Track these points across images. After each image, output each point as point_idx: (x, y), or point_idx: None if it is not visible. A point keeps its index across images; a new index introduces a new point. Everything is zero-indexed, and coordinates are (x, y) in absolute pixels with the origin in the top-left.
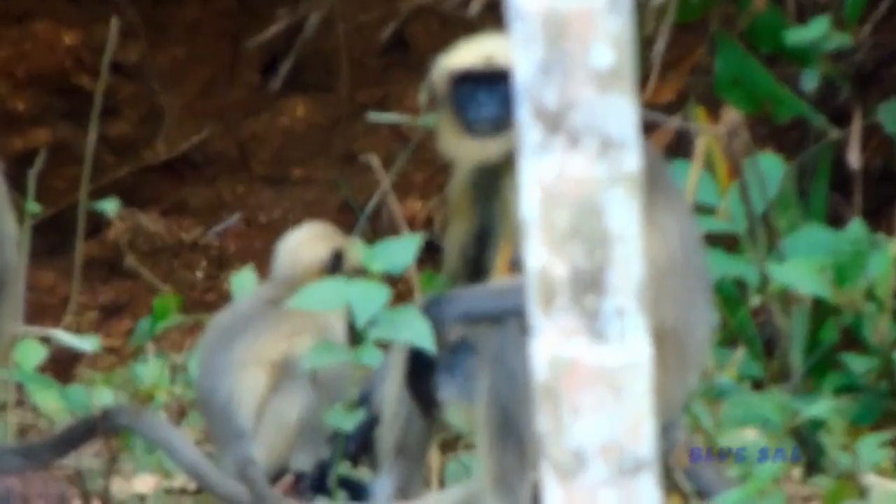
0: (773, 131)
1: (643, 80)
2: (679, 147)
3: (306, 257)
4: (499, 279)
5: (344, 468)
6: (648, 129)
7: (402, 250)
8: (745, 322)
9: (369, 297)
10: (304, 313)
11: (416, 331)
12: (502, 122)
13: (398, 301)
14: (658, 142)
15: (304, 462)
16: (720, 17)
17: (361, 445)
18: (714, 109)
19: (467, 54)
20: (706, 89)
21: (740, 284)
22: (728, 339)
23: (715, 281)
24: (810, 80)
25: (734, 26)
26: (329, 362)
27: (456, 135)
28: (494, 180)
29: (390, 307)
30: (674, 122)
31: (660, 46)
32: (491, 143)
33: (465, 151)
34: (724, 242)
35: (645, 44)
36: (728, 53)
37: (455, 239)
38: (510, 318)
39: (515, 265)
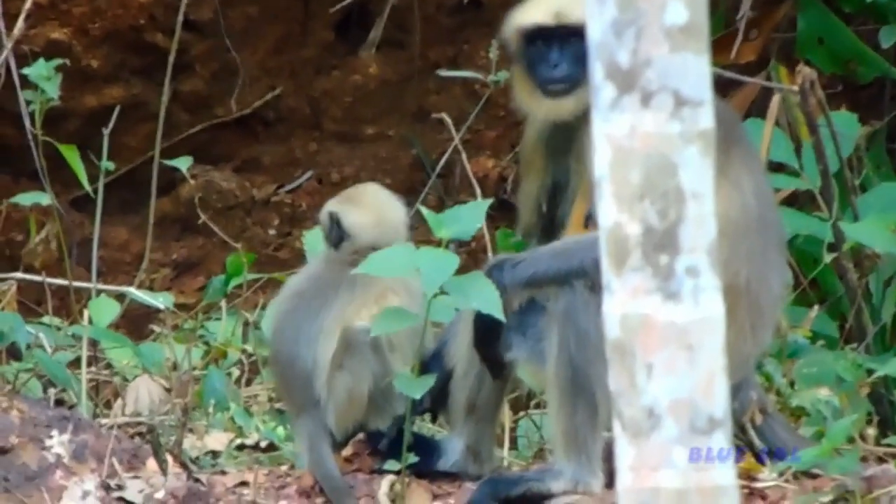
0: (847, 89)
1: (727, 40)
2: (762, 106)
3: (398, 220)
4: (563, 238)
5: (417, 426)
6: (731, 88)
7: (470, 216)
8: (821, 281)
9: (439, 264)
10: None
11: (484, 298)
12: (575, 80)
13: (470, 259)
14: (741, 101)
15: (380, 421)
16: None
17: (437, 400)
18: (795, 69)
19: (537, 11)
20: (787, 49)
21: (818, 243)
22: (803, 297)
23: (790, 239)
24: (888, 37)
25: None
26: (396, 329)
27: (529, 92)
28: (569, 136)
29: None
30: (758, 83)
31: (745, 6)
32: (564, 101)
33: (540, 109)
34: (799, 201)
35: (728, 3)
36: (811, 13)
37: (528, 195)
38: (576, 278)
39: (590, 221)
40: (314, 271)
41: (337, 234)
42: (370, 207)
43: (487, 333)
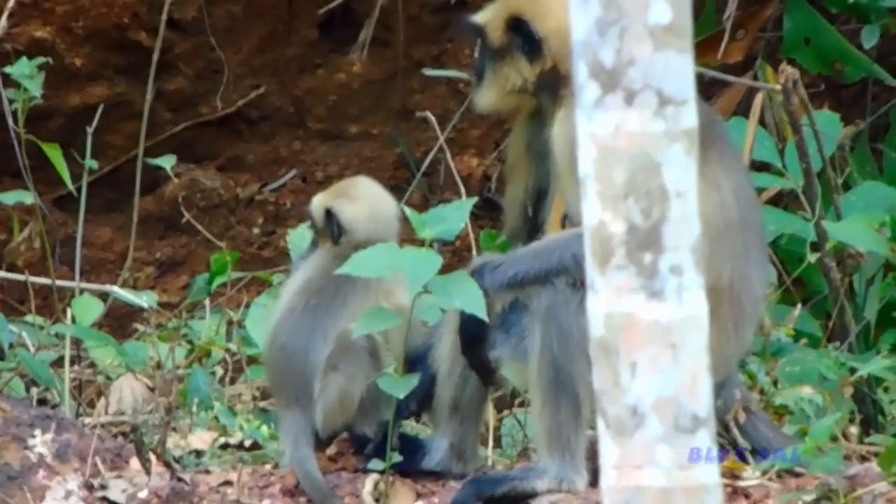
0: (830, 89)
1: (715, 40)
2: (748, 106)
3: (392, 213)
4: (542, 238)
5: (403, 426)
6: (718, 87)
7: (454, 216)
8: (804, 279)
9: (423, 264)
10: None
11: (468, 297)
12: (479, 73)
13: (454, 257)
14: (727, 101)
15: (367, 426)
16: None
17: (423, 402)
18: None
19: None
20: (774, 49)
21: (801, 242)
22: (786, 296)
23: (774, 238)
24: (870, 37)
25: None
26: (379, 328)
27: None
28: (546, 137)
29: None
30: (742, 82)
31: (731, 6)
32: (475, 94)
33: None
34: (783, 200)
35: (714, 3)
36: (798, 13)
37: (513, 198)
38: (556, 277)
39: (567, 220)
40: (323, 266)
41: (335, 230)
42: (365, 202)
43: (473, 340)
